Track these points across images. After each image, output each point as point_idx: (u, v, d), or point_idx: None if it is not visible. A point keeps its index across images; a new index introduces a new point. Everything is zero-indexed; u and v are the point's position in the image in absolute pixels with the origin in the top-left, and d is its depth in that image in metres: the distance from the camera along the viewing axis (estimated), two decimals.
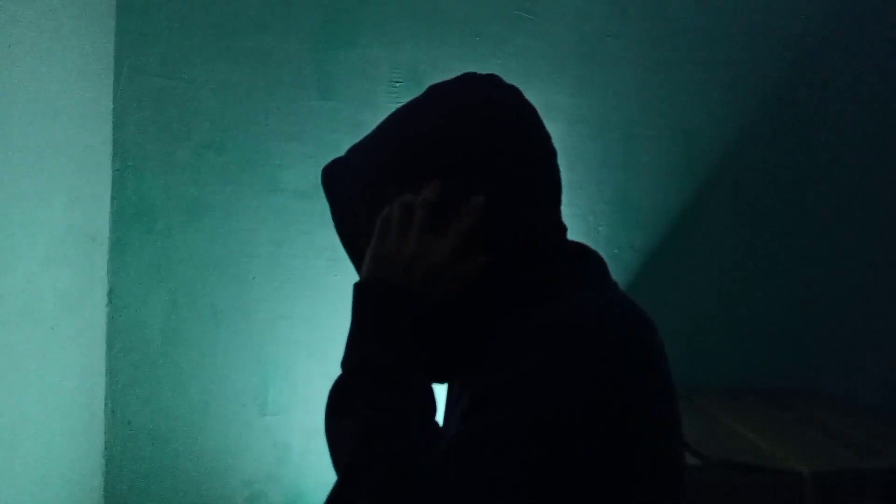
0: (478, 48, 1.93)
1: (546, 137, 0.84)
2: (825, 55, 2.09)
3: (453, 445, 0.65)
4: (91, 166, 1.74)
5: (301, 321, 1.86)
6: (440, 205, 0.77)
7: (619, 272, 1.94)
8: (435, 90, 0.85)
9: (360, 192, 0.83)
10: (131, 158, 1.82)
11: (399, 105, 0.87)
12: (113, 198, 1.81)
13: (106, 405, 1.81)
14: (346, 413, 0.70)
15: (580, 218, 1.93)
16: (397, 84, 1.90)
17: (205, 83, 1.84)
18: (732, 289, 2.05)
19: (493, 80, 0.85)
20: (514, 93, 0.84)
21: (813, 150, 2.09)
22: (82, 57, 1.68)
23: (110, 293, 1.81)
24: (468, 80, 0.85)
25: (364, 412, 0.68)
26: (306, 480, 1.86)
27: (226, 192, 1.84)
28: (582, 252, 0.83)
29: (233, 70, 1.85)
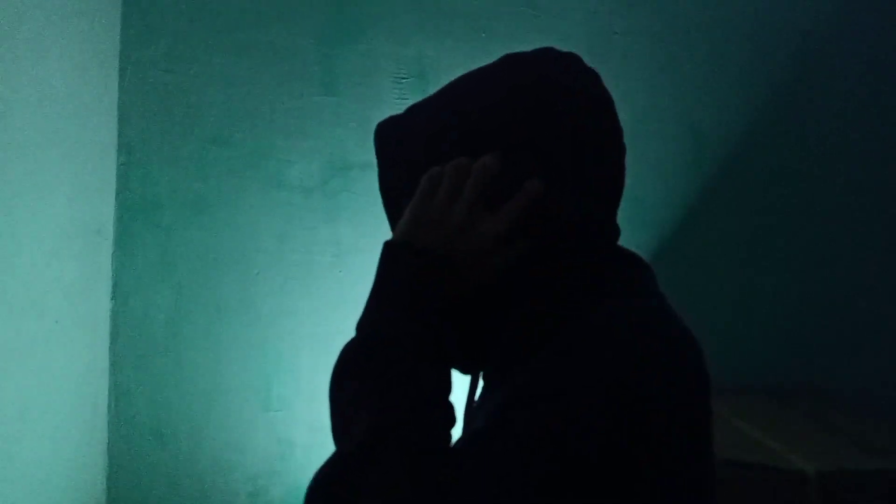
0: (484, 44, 1.92)
1: (619, 132, 0.78)
2: (834, 52, 2.08)
3: (475, 441, 0.61)
4: (96, 160, 1.74)
5: (305, 316, 1.86)
6: (496, 179, 0.70)
7: None
8: (511, 60, 0.79)
9: (417, 154, 0.76)
10: (136, 153, 1.82)
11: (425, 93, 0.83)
12: (118, 192, 1.81)
13: (109, 399, 1.82)
14: (354, 378, 0.65)
15: None
16: (403, 80, 1.89)
17: (210, 78, 1.83)
18: (740, 286, 2.04)
19: (574, 60, 0.78)
20: (594, 78, 0.78)
21: (821, 147, 2.07)
22: (87, 51, 1.68)
23: (115, 287, 1.81)
24: (548, 55, 0.78)
25: (375, 386, 0.63)
26: (309, 476, 1.86)
27: (230, 186, 1.84)
28: (632, 258, 0.78)
29: (238, 65, 1.84)
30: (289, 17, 1.86)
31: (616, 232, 0.77)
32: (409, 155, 0.77)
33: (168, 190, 1.82)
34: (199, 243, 1.83)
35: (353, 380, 0.65)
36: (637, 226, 1.94)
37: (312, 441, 1.87)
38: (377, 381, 0.63)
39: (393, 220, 0.79)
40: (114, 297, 1.81)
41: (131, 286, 1.82)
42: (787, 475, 1.37)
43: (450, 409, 0.65)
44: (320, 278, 1.85)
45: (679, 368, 0.66)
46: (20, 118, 1.42)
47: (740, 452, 1.43)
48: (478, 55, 1.92)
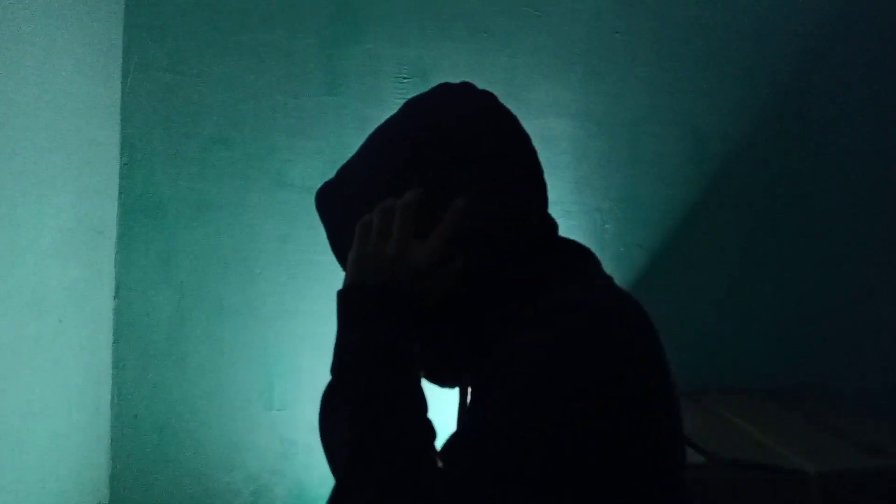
0: (485, 44, 1.93)
1: (525, 138, 0.86)
2: (834, 52, 2.08)
3: (456, 445, 0.66)
4: (99, 160, 1.75)
5: (307, 316, 1.86)
6: (422, 209, 0.77)
7: (625, 270, 1.93)
8: (412, 103, 0.87)
9: (352, 209, 0.83)
10: (139, 153, 1.82)
11: (393, 108, 0.88)
12: (120, 192, 1.82)
13: (112, 398, 1.82)
14: (334, 417, 0.71)
15: (587, 215, 1.92)
16: (404, 80, 1.90)
17: (212, 78, 1.84)
18: (740, 287, 2.04)
19: (466, 87, 0.87)
20: (489, 97, 0.86)
21: (821, 148, 2.08)
22: (90, 52, 1.68)
23: (117, 287, 1.82)
24: (443, 90, 0.87)
25: (357, 414, 0.69)
26: (311, 475, 1.87)
27: (232, 186, 1.85)
28: (572, 247, 0.84)
29: (240, 65, 1.85)
30: (291, 17, 1.87)
31: (553, 225, 0.85)
32: (345, 210, 0.84)
33: (170, 189, 1.83)
34: (202, 243, 1.84)
35: (330, 417, 0.72)
36: (637, 225, 1.94)
37: (314, 440, 1.86)
38: (350, 414, 0.69)
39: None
40: (116, 297, 1.82)
41: (133, 285, 1.82)
42: (787, 475, 1.37)
43: (427, 424, 0.71)
44: (322, 278, 1.86)
45: (645, 346, 0.70)
46: (23, 118, 1.42)
47: (741, 452, 1.43)
48: (479, 55, 1.94)
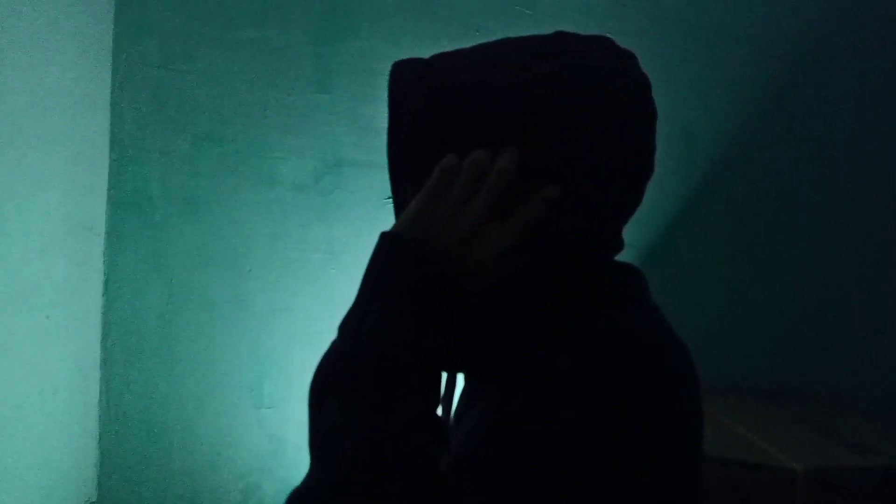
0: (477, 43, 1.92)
1: (652, 151, 0.71)
2: (826, 53, 2.09)
3: (471, 457, 0.58)
4: (88, 157, 1.73)
5: (297, 314, 1.86)
6: (512, 182, 0.63)
7: None
8: (564, 40, 0.70)
9: (427, 116, 0.68)
10: (129, 149, 1.81)
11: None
12: (110, 188, 1.81)
13: (101, 395, 1.81)
14: (337, 396, 0.59)
15: None
16: None
17: (203, 75, 1.83)
18: (731, 288, 2.05)
19: (630, 59, 0.72)
20: (644, 85, 0.72)
21: (813, 148, 2.09)
22: (80, 47, 1.67)
23: (106, 283, 1.81)
24: (604, 46, 0.71)
25: (360, 409, 0.57)
26: (301, 473, 1.85)
27: (223, 184, 1.84)
28: (628, 269, 0.75)
29: (231, 62, 1.84)
30: (283, 14, 1.86)
31: (619, 247, 0.73)
32: (429, 115, 0.68)
33: (160, 186, 1.82)
34: (192, 240, 1.83)
35: (335, 398, 0.59)
36: (628, 226, 1.94)
37: (304, 438, 1.86)
38: (363, 403, 0.57)
39: (395, 186, 0.72)
40: (105, 293, 1.81)
41: (123, 282, 1.81)
42: (776, 473, 1.38)
43: (440, 429, 0.60)
44: (313, 276, 1.85)
45: (675, 393, 0.63)
46: (12, 114, 1.41)
47: (731, 451, 1.44)
48: None
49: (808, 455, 1.43)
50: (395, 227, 0.64)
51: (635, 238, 1.95)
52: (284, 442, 1.87)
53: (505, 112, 0.65)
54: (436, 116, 0.67)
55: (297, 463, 1.87)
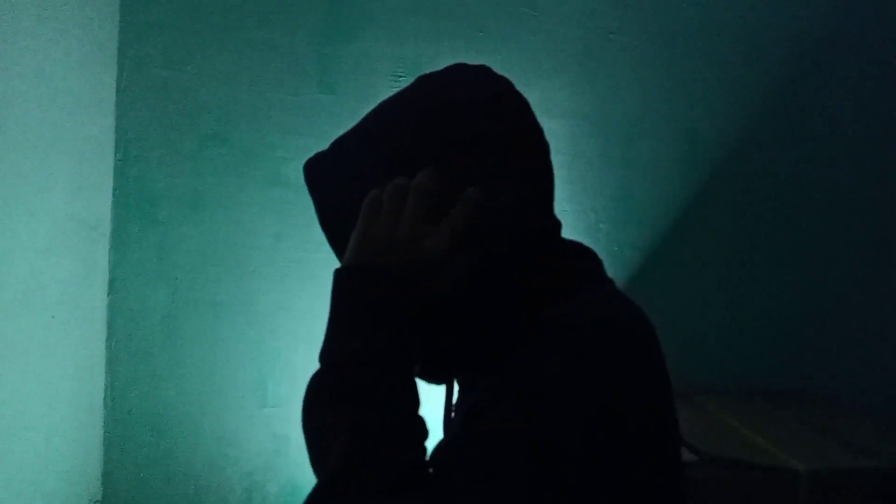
0: (481, 44, 1.93)
1: (539, 131, 0.81)
2: (827, 53, 2.09)
3: (455, 447, 0.64)
4: (93, 156, 1.74)
5: (301, 314, 1.87)
6: (433, 194, 0.71)
7: (619, 270, 1.94)
8: (425, 80, 0.81)
9: (350, 185, 0.76)
10: (134, 149, 1.82)
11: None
12: (115, 188, 1.81)
13: (105, 395, 1.82)
14: (323, 407, 0.66)
15: (581, 215, 1.93)
16: (400, 78, 1.90)
17: (208, 75, 1.84)
18: (732, 288, 2.05)
19: (484, 70, 0.82)
20: (505, 84, 0.81)
21: (814, 149, 2.09)
22: (86, 47, 1.68)
23: (111, 283, 1.82)
24: (459, 70, 0.82)
25: (344, 413, 0.64)
26: (304, 472, 1.87)
27: (227, 184, 1.85)
28: (579, 249, 0.82)
29: (236, 62, 1.85)
30: (286, 15, 1.87)
31: (557, 225, 0.80)
32: (341, 185, 0.78)
33: (165, 186, 1.83)
34: (196, 240, 1.84)
35: (322, 409, 0.66)
36: (630, 226, 1.95)
37: None
38: (346, 408, 0.64)
39: (339, 253, 0.79)
40: (110, 293, 1.82)
41: (127, 282, 1.82)
42: (779, 473, 1.38)
43: (421, 423, 0.67)
44: (316, 276, 1.86)
45: (650, 351, 0.71)
46: (17, 114, 1.42)
47: (733, 452, 1.44)
48: (474, 54, 1.94)
49: (810, 456, 1.43)
50: (343, 261, 0.73)
51: (637, 239, 1.95)
52: (288, 441, 1.88)
53: (412, 149, 0.74)
54: (350, 190, 0.75)
55: (300, 462, 1.87)
